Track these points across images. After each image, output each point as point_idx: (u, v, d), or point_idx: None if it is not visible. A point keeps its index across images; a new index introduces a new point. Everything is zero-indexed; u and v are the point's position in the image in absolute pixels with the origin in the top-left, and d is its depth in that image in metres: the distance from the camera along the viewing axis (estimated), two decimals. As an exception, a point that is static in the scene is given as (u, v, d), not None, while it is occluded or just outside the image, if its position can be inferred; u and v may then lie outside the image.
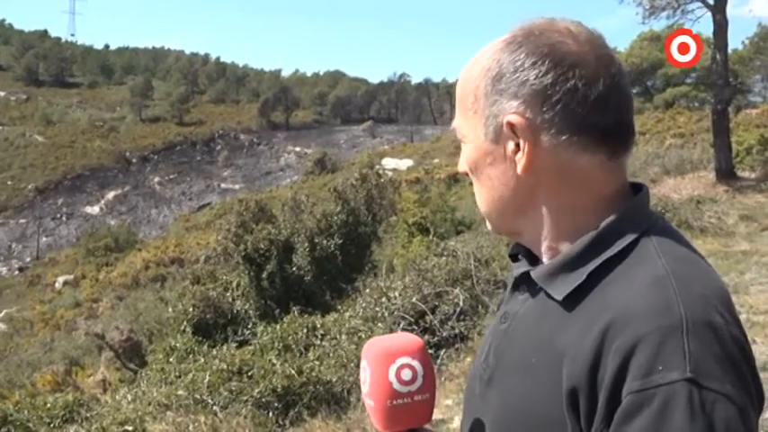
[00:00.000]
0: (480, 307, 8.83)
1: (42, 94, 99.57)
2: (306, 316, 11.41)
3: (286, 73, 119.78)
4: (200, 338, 13.30)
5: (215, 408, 7.30)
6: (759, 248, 11.01)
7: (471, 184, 1.20)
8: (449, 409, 6.12)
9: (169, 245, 43.93)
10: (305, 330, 10.19)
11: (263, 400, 7.40)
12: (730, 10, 17.33)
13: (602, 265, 1.05)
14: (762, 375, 1.00)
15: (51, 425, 9.80)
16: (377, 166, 29.90)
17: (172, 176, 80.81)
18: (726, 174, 17.28)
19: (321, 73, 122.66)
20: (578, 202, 1.09)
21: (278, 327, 10.84)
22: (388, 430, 1.16)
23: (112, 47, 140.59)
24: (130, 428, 7.29)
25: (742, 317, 1.09)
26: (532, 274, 1.13)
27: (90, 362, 19.93)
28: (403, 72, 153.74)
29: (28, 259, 62.75)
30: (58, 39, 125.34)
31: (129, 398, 9.13)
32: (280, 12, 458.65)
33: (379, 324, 8.87)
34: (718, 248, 10.98)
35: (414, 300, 8.92)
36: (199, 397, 7.65)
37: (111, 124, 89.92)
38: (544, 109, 1.06)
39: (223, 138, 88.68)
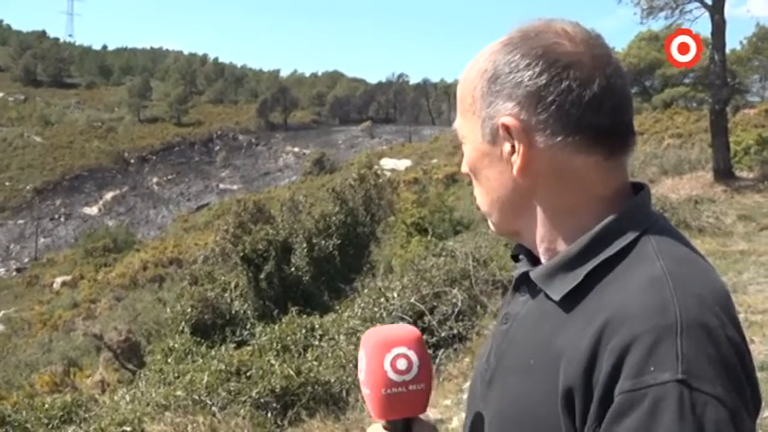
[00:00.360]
0: (479, 307, 8.83)
1: (40, 94, 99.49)
2: (304, 316, 11.40)
3: (284, 73, 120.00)
4: (199, 339, 13.29)
5: (213, 408, 7.29)
6: (757, 248, 11.02)
7: (471, 184, 1.21)
8: (447, 409, 6.12)
9: (167, 245, 43.92)
10: (303, 331, 10.18)
11: (262, 400, 7.40)
12: (728, 10, 17.38)
13: (599, 266, 1.04)
14: (760, 375, 1.00)
15: (49, 425, 9.79)
16: (375, 167, 29.89)
17: (170, 177, 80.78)
18: (724, 174, 17.29)
19: (319, 73, 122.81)
20: (575, 202, 1.09)
21: (276, 327, 10.83)
22: (383, 419, 1.17)
23: (110, 47, 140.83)
24: (129, 429, 7.29)
25: (740, 316, 1.09)
26: (531, 274, 1.13)
27: (88, 362, 19.91)
28: (401, 72, 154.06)
29: (26, 260, 62.71)
30: (56, 39, 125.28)
31: (128, 398, 9.12)
32: (278, 12, 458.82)
33: (378, 324, 8.86)
34: (716, 248, 10.98)
35: (412, 300, 8.93)
36: (197, 397, 7.65)
37: (110, 125, 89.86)
38: (538, 110, 1.06)
39: (221, 138, 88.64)
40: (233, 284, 15.40)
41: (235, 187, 76.19)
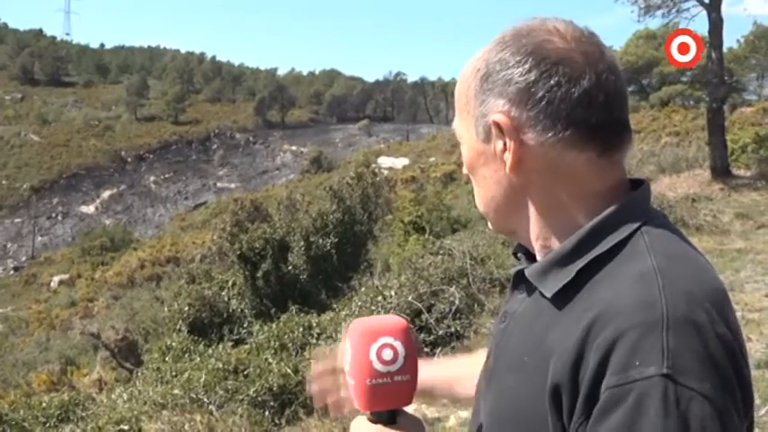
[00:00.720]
0: (476, 305, 8.83)
1: (38, 93, 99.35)
2: (302, 315, 11.40)
3: (282, 72, 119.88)
4: (196, 337, 13.28)
5: (211, 407, 7.29)
6: (754, 246, 11.04)
7: (469, 183, 1.22)
8: (444, 407, 6.12)
9: (165, 244, 43.87)
10: (301, 329, 10.18)
11: (259, 398, 7.40)
12: (725, 8, 17.36)
13: (591, 263, 1.04)
14: (756, 373, 1.00)
15: (47, 424, 9.79)
16: (373, 165, 29.87)
17: (167, 175, 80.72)
18: (721, 172, 17.31)
19: (317, 72, 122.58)
20: (568, 199, 1.09)
21: (274, 326, 10.83)
22: (367, 410, 1.16)
23: (108, 46, 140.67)
24: (126, 428, 7.29)
25: (737, 314, 1.08)
26: (526, 272, 1.14)
27: (86, 361, 19.89)
28: (399, 71, 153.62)
29: (23, 258, 62.64)
30: (54, 38, 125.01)
31: (125, 397, 9.12)
32: (276, 10, 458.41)
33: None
34: (713, 246, 11.00)
35: (410, 298, 8.93)
36: (195, 396, 7.65)
37: (107, 123, 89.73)
38: (528, 106, 1.06)
39: (219, 137, 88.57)
40: (230, 283, 15.40)
41: (232, 186, 76.15)
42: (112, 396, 9.94)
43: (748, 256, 10.35)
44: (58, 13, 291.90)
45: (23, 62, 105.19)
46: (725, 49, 20.33)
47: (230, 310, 14.46)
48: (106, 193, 76.54)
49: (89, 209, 74.17)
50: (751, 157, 18.26)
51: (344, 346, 1.19)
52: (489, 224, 1.21)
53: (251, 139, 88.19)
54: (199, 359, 10.28)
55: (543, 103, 1.05)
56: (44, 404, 10.46)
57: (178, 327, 13.99)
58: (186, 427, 6.74)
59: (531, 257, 1.19)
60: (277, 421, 7.20)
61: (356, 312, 9.72)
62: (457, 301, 8.64)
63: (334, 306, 12.42)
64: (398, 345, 1.14)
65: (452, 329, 8.25)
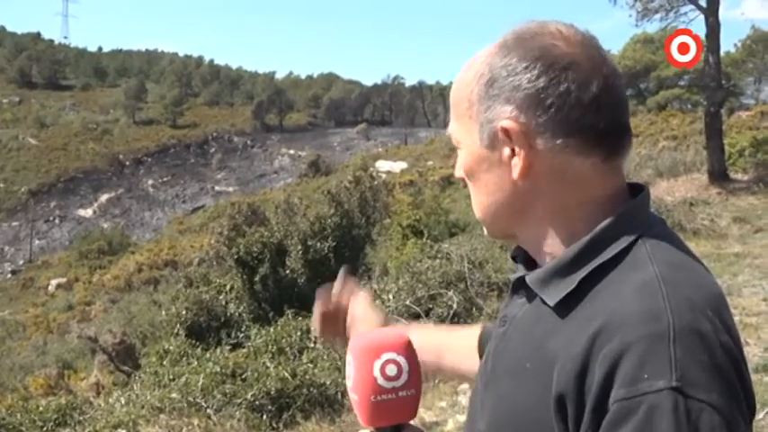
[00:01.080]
0: (474, 309, 8.83)
1: (35, 96, 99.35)
2: (299, 319, 11.38)
3: (280, 75, 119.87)
4: (194, 341, 13.26)
5: (208, 411, 7.28)
6: (752, 250, 11.05)
7: (466, 187, 1.20)
8: (443, 411, 6.12)
9: (162, 248, 43.84)
10: (299, 333, 10.17)
11: (257, 402, 7.39)
12: (723, 12, 17.43)
13: (594, 271, 1.04)
14: (754, 377, 1.00)
15: (44, 428, 9.76)
16: (371, 169, 29.88)
17: (165, 179, 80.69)
18: (718, 176, 17.33)
19: (315, 75, 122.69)
20: (573, 205, 1.09)
21: (271, 330, 10.82)
22: (371, 425, 1.15)
23: (106, 49, 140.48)
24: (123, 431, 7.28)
25: (735, 319, 1.09)
26: (527, 279, 1.13)
27: (83, 365, 19.88)
28: (397, 74, 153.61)
29: (21, 262, 62.55)
30: (51, 41, 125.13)
31: (123, 401, 9.09)
32: (274, 14, 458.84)
33: (373, 327, 8.86)
34: (711, 250, 11.01)
35: (407, 302, 8.93)
36: (192, 400, 7.64)
37: (105, 127, 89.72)
38: (538, 113, 1.05)
39: (217, 140, 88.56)
40: (228, 287, 15.38)
41: (230, 189, 76.10)
42: (110, 400, 9.92)
43: (746, 261, 10.36)
44: (56, 17, 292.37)
45: (21, 65, 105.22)
46: (722, 53, 20.40)
47: (228, 314, 14.45)
48: (104, 197, 76.48)
49: (87, 212, 74.12)
50: (748, 161, 18.28)
51: (347, 361, 1.18)
52: (486, 230, 1.21)
53: (249, 142, 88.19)
54: (196, 363, 10.26)
55: (553, 109, 1.05)
56: (41, 408, 10.42)
57: (176, 330, 13.98)
58: (184, 431, 6.74)
59: (529, 262, 1.18)
60: (275, 425, 7.19)
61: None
62: (455, 305, 8.64)
63: (333, 310, 12.40)
64: (402, 360, 1.14)
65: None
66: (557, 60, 1.06)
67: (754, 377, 1.00)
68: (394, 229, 17.35)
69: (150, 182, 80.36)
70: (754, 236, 12.36)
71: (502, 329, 1.18)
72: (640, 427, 0.88)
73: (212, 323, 14.08)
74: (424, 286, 9.26)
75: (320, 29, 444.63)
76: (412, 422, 1.18)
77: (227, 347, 11.60)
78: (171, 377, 9.76)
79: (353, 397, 1.15)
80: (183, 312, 14.06)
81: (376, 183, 20.08)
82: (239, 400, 7.40)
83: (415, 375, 1.15)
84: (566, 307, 1.04)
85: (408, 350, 1.15)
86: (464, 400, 6.05)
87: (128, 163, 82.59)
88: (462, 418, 5.65)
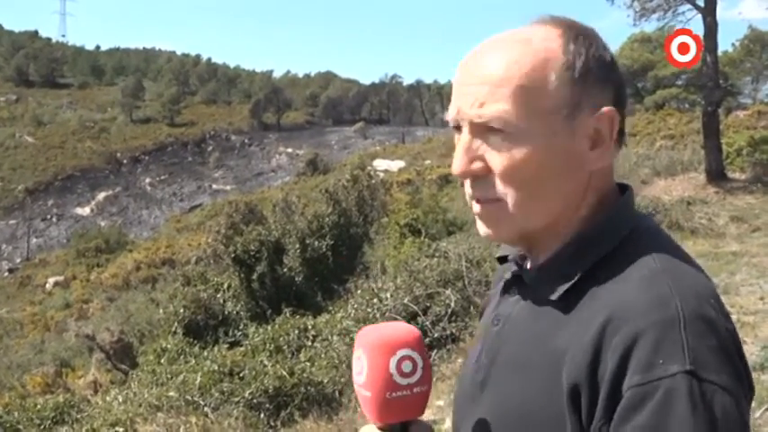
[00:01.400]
0: (472, 308, 8.83)
1: (33, 94, 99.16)
2: (297, 317, 11.41)
3: (277, 74, 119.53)
4: (192, 340, 13.27)
5: (206, 409, 7.29)
6: (749, 249, 11.07)
7: (461, 186, 1.17)
8: (440, 410, 6.13)
9: (160, 246, 43.79)
10: (296, 331, 10.19)
11: (255, 401, 7.40)
12: (720, 12, 17.46)
13: (594, 265, 1.06)
14: (753, 375, 1.01)
15: (41, 426, 9.77)
16: (368, 168, 29.87)
17: (163, 177, 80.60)
18: (716, 175, 17.34)
19: (313, 74, 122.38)
20: (592, 201, 1.11)
21: (269, 328, 10.84)
22: (382, 422, 1.13)
23: (103, 47, 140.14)
24: (121, 430, 7.27)
25: (732, 318, 1.14)
26: (524, 276, 1.14)
27: (80, 363, 19.86)
28: (394, 73, 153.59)
29: (18, 260, 62.45)
30: (49, 39, 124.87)
31: (120, 399, 9.09)
32: (272, 12, 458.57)
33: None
34: (708, 249, 11.03)
35: (405, 301, 8.94)
36: (190, 398, 7.64)
37: (102, 125, 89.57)
38: (618, 103, 1.09)
39: (214, 139, 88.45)
40: (226, 285, 15.39)
41: (228, 188, 76.02)
42: (107, 398, 9.92)
43: (743, 259, 10.38)
44: (54, 15, 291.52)
45: (18, 63, 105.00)
46: (720, 53, 20.41)
47: (226, 313, 14.46)
48: (101, 195, 76.38)
49: (84, 210, 74.02)
50: (746, 160, 18.28)
51: (356, 357, 1.15)
52: (520, 229, 1.11)
53: (246, 141, 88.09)
54: (194, 361, 10.28)
55: (621, 99, 1.11)
56: (39, 406, 10.43)
57: (173, 329, 13.98)
58: (181, 429, 6.74)
59: (521, 261, 1.20)
60: (272, 423, 7.20)
61: (352, 314, 9.72)
62: (452, 304, 8.64)
63: (330, 308, 12.43)
64: (416, 356, 1.12)
65: (448, 332, 8.26)
66: (606, 46, 1.12)
67: (753, 376, 1.03)
68: (392, 227, 17.35)
69: (148, 180, 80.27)
70: (751, 235, 12.38)
71: (496, 328, 1.18)
72: (657, 411, 0.90)
73: (210, 321, 14.08)
74: (421, 285, 9.26)
75: (318, 27, 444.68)
76: (420, 418, 1.17)
77: (225, 346, 11.61)
78: (168, 375, 9.77)
79: (366, 394, 1.12)
80: (181, 311, 14.07)
81: (374, 181, 20.09)
82: (237, 399, 7.41)
83: (428, 371, 1.14)
84: (568, 300, 1.06)
85: (421, 345, 1.14)
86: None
87: (125, 161, 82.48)
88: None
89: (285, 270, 15.31)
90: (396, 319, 8.51)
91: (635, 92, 44.01)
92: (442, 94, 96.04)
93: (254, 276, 15.03)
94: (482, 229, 1.13)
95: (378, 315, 9.02)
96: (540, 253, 1.13)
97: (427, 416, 5.97)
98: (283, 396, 7.50)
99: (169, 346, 13.02)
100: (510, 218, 1.08)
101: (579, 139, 1.07)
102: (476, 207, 1.12)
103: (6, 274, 57.71)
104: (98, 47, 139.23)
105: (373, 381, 1.11)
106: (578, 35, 1.09)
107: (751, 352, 6.11)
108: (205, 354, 10.78)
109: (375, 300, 9.52)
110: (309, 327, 10.37)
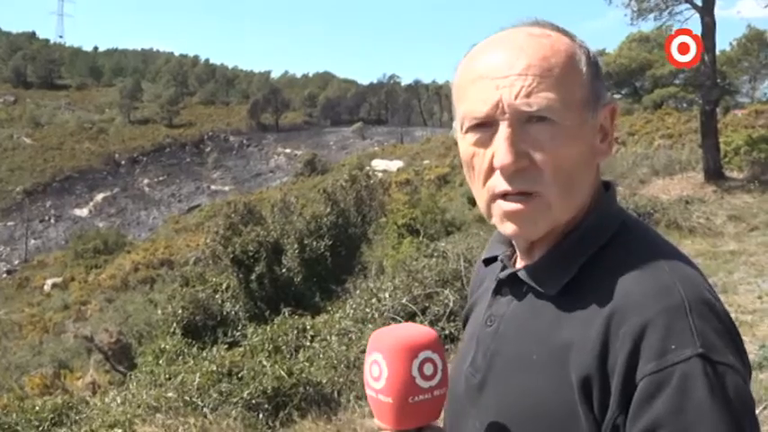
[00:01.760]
0: (470, 308, 8.82)
1: (30, 95, 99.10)
2: (296, 317, 11.39)
3: (276, 74, 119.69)
4: (190, 340, 13.26)
5: (205, 410, 7.27)
6: (747, 248, 11.08)
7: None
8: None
9: (158, 247, 43.79)
10: (295, 332, 10.17)
11: (253, 401, 7.38)
12: (718, 11, 17.47)
13: (591, 258, 1.07)
14: (752, 374, 1.02)
15: (40, 428, 9.74)
16: (367, 168, 29.91)
17: (161, 178, 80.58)
18: (714, 174, 17.36)
19: (311, 74, 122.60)
20: (591, 194, 1.13)
21: (268, 328, 10.81)
22: (399, 428, 1.08)
23: (101, 48, 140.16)
24: (120, 431, 7.27)
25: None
26: (520, 274, 1.14)
27: (79, 364, 19.84)
28: (393, 73, 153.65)
29: (16, 262, 62.41)
30: (47, 40, 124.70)
31: (119, 400, 9.08)
32: (269, 13, 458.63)
33: (370, 325, 8.87)
34: (706, 248, 11.04)
35: (404, 301, 8.93)
36: (188, 399, 7.63)
37: (100, 126, 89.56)
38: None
39: (213, 139, 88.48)
40: (224, 286, 15.37)
41: (226, 188, 76.03)
42: (106, 399, 9.90)
43: (741, 258, 10.39)
44: (51, 16, 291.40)
45: (16, 65, 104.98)
46: (718, 52, 20.43)
47: (224, 313, 14.44)
48: (99, 196, 76.35)
49: (82, 212, 73.99)
50: (744, 159, 18.31)
51: (371, 361, 1.09)
52: (545, 225, 1.09)
53: (245, 141, 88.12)
54: (192, 362, 10.25)
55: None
56: (37, 408, 10.40)
57: (172, 330, 13.97)
58: (180, 430, 6.73)
59: (510, 263, 1.21)
60: (271, 424, 7.19)
61: (350, 315, 9.72)
62: (451, 304, 8.64)
63: (329, 308, 12.42)
64: (437, 358, 1.08)
65: (447, 332, 8.25)
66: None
67: (752, 374, 1.04)
68: (390, 227, 17.34)
69: (146, 181, 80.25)
70: (749, 234, 12.40)
71: (490, 329, 1.18)
72: (676, 396, 0.92)
73: (208, 322, 14.07)
74: (420, 285, 9.26)
75: (316, 28, 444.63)
76: (435, 422, 1.14)
77: (224, 346, 11.58)
78: (167, 376, 9.75)
79: (386, 400, 1.07)
80: (180, 311, 14.06)
81: (372, 182, 20.08)
82: (235, 399, 7.40)
83: (446, 372, 1.10)
84: (568, 294, 1.06)
85: (440, 346, 1.10)
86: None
87: (123, 162, 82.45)
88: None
89: (284, 270, 15.31)
90: (395, 320, 8.51)
91: (633, 91, 44.04)
92: (440, 94, 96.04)
93: (253, 277, 15.02)
94: (509, 227, 1.09)
95: (376, 315, 9.02)
96: (538, 249, 1.13)
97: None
98: (282, 396, 7.49)
99: (168, 346, 13.00)
100: (547, 212, 1.07)
101: (596, 131, 1.10)
102: (505, 203, 1.08)
103: (5, 275, 57.68)
104: (96, 48, 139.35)
105: (395, 385, 1.06)
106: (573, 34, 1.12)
107: (749, 351, 6.11)
108: (204, 354, 10.76)
109: (373, 300, 9.52)
110: (308, 327, 10.36)
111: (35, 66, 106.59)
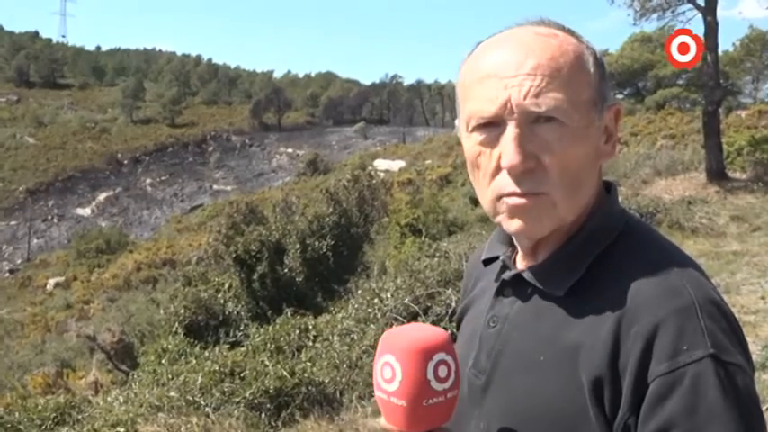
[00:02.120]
0: (472, 308, 8.82)
1: (33, 95, 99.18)
2: (298, 317, 11.39)
3: (278, 74, 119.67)
4: (192, 340, 13.26)
5: (207, 409, 7.28)
6: (750, 249, 11.07)
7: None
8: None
9: (161, 246, 43.80)
10: (297, 332, 10.16)
11: (256, 401, 7.38)
12: (720, 12, 17.49)
13: (597, 259, 1.07)
14: (755, 376, 1.02)
15: (42, 427, 9.75)
16: (369, 168, 29.87)
17: (164, 178, 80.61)
18: (717, 175, 17.35)
19: (313, 74, 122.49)
20: (595, 195, 1.14)
21: (270, 328, 10.81)
22: (411, 431, 1.06)
23: (104, 48, 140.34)
24: (122, 430, 7.27)
25: None
26: (525, 275, 1.14)
27: (81, 364, 19.84)
28: (395, 73, 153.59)
29: (19, 261, 62.47)
30: (49, 40, 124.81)
31: (121, 399, 9.08)
32: (272, 13, 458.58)
33: (372, 325, 8.88)
34: (709, 249, 11.03)
35: (406, 301, 8.93)
36: (191, 398, 7.63)
37: (103, 126, 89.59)
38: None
39: (215, 139, 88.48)
40: (226, 285, 15.38)
41: (228, 188, 76.04)
42: (108, 398, 9.90)
43: (744, 259, 10.38)
44: (54, 16, 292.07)
45: (19, 64, 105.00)
46: (720, 53, 20.42)
47: (226, 313, 14.45)
48: (102, 196, 76.40)
49: (85, 211, 74.03)
50: (746, 159, 18.29)
51: (383, 362, 1.07)
52: (552, 224, 1.09)
53: (247, 141, 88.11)
54: (195, 361, 10.25)
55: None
56: (40, 406, 10.41)
57: (174, 329, 13.98)
58: (182, 429, 6.74)
59: (511, 264, 1.20)
60: (273, 423, 7.19)
61: (352, 315, 9.72)
62: (453, 304, 8.63)
63: (331, 308, 12.42)
64: (450, 359, 1.06)
65: (449, 332, 8.23)
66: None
67: (755, 375, 1.04)
68: (392, 227, 17.34)
69: (148, 181, 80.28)
70: (752, 234, 12.38)
71: (493, 330, 1.17)
72: (688, 396, 0.92)
73: (211, 322, 14.08)
74: (422, 285, 9.25)
75: (318, 28, 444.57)
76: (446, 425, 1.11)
77: (226, 346, 11.59)
78: (169, 376, 9.76)
79: (399, 403, 1.04)
80: (182, 311, 14.07)
81: (374, 181, 20.06)
82: (238, 399, 7.40)
83: (458, 374, 1.08)
84: (574, 296, 1.06)
85: (453, 348, 1.08)
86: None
87: (126, 162, 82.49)
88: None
89: (286, 270, 15.30)
90: (397, 320, 8.51)
91: (636, 91, 44.00)
92: (442, 94, 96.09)
93: (255, 277, 15.02)
94: (515, 223, 1.09)
95: (378, 315, 9.02)
96: (542, 250, 1.13)
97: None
98: (284, 396, 7.49)
99: (170, 346, 13.00)
100: (553, 212, 1.07)
101: (601, 133, 1.10)
102: (511, 199, 1.07)
103: (7, 274, 57.74)
104: (98, 47, 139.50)
105: (409, 388, 1.04)
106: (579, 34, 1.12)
107: (752, 351, 6.11)
108: (206, 354, 10.76)
109: (376, 300, 9.52)
110: (310, 327, 10.36)
111: (38, 65, 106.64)
